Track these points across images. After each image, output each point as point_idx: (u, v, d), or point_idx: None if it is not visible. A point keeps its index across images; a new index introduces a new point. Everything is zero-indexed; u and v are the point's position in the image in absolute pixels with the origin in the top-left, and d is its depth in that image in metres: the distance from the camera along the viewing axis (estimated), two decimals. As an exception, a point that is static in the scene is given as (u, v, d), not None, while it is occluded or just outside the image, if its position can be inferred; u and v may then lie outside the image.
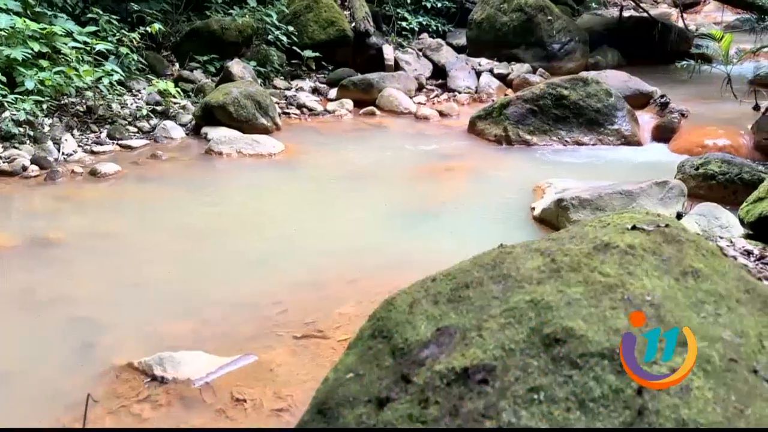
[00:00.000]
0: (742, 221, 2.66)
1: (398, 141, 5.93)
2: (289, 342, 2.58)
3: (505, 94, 7.00)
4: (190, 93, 6.45)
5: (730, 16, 11.31)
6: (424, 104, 7.13)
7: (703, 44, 7.77)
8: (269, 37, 7.30)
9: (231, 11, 7.36)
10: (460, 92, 7.58)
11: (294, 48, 7.51)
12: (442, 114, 6.78)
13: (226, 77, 6.36)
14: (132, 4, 6.94)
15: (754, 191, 2.75)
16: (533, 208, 4.07)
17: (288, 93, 7.07)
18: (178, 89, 6.10)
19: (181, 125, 5.89)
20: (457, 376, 1.54)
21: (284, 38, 7.36)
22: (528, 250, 1.94)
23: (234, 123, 5.66)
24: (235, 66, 6.46)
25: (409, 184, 4.77)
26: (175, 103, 6.14)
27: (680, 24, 8.98)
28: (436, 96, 7.52)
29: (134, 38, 6.27)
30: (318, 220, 4.05)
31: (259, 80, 6.93)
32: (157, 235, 3.80)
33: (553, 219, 3.78)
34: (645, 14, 9.32)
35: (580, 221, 2.53)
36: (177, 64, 7.18)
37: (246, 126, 5.66)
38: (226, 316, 2.86)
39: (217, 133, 5.49)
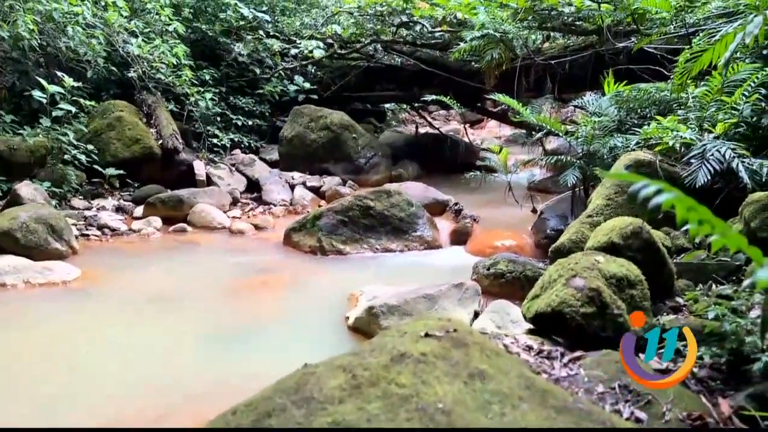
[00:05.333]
0: (525, 317, 2.95)
1: (212, 257, 5.78)
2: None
3: (319, 205, 7.25)
4: (-31, 219, 5.76)
5: (509, 130, 13.02)
6: (239, 218, 7.11)
7: (488, 156, 8.82)
8: (66, 156, 6.89)
9: (21, 131, 6.86)
10: (275, 205, 7.70)
11: (95, 166, 7.16)
12: (257, 227, 6.79)
13: (14, 201, 5.81)
14: None
15: (533, 288, 3.08)
16: (347, 318, 4.15)
17: (88, 213, 6.63)
18: (-47, 215, 5.40)
19: (-44, 255, 5.19)
20: None
21: (83, 157, 6.99)
22: (331, 368, 1.96)
23: (22, 250, 5.12)
24: (25, 188, 5.95)
25: (223, 302, 4.62)
26: (-52, 231, 5.42)
27: (467, 139, 10.17)
28: (252, 209, 7.56)
29: None
30: (118, 352, 3.72)
31: (54, 201, 6.44)
32: None
33: (365, 327, 3.88)
34: (437, 131, 10.45)
35: (385, 329, 2.63)
36: (-47, 188, 6.43)
37: (36, 253, 5.15)
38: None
39: (1, 263, 4.92)
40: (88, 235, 6.15)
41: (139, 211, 6.91)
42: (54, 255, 5.25)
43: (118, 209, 7.01)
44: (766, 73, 4.28)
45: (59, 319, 4.27)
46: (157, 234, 6.41)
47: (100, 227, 6.36)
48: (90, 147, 7.15)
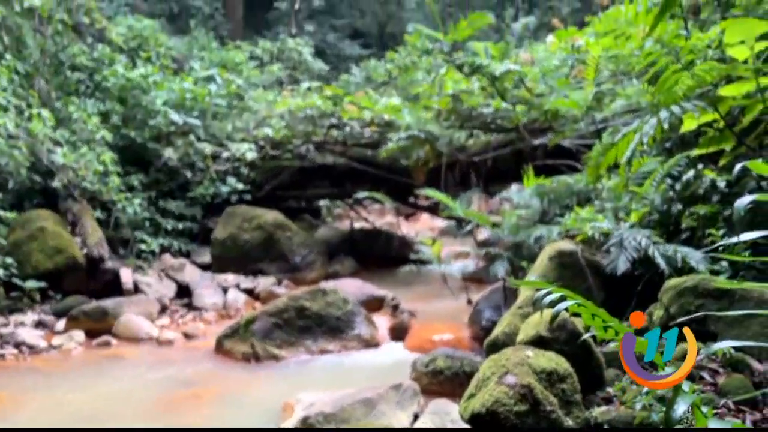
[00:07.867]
0: (462, 417, 2.89)
1: (137, 372, 5.47)
2: None
3: (254, 308, 7.08)
4: None
5: (442, 222, 13.27)
6: (168, 327, 6.82)
7: (422, 249, 8.94)
8: (-18, 272, 6.54)
9: (-66, 247, 6.52)
10: (207, 310, 7.45)
11: (14, 280, 6.79)
12: (187, 336, 6.52)
13: None
14: None
15: (469, 387, 3.03)
16: (282, 430, 3.96)
17: (4, 330, 6.20)
18: None
19: None
20: None
21: (1, 271, 6.64)
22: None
23: (-76, 377, 4.71)
24: (-68, 307, 5.56)
25: (149, 421, 4.33)
26: None
27: (401, 232, 10.32)
28: (181, 316, 7.28)
29: None
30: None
31: (-34, 320, 6.04)
32: None
33: (301, 439, 3.70)
34: (371, 226, 10.59)
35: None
36: None
37: (-59, 378, 4.75)
38: None
39: None
40: (3, 355, 5.74)
41: (61, 324, 6.53)
42: (-39, 380, 4.86)
43: (39, 324, 6.60)
44: (670, 164, 4.61)
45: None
46: (79, 349, 6.05)
47: (17, 345, 5.96)
48: (9, 260, 6.81)
